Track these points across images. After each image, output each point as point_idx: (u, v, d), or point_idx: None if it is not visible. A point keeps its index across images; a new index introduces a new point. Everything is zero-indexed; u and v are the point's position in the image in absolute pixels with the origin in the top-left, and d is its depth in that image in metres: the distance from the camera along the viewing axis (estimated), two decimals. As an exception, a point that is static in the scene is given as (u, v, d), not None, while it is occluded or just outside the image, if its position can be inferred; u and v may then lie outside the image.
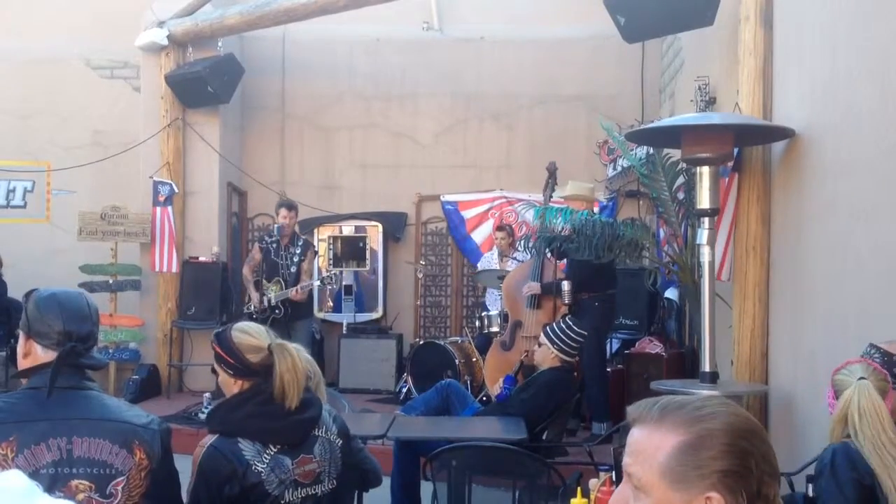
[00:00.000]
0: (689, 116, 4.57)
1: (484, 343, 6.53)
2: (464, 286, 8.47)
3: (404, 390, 6.99)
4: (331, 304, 8.17)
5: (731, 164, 4.25)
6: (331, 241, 8.30)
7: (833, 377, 2.24)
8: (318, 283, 6.92)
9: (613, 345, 6.79)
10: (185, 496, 2.21)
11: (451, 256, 8.50)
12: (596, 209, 6.57)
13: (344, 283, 7.89)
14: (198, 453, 2.20)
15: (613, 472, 2.03)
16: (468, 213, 8.29)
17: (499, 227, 7.42)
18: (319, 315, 8.08)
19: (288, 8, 6.99)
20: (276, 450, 2.25)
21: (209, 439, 2.23)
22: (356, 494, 2.90)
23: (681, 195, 5.15)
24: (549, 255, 5.96)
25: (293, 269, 6.60)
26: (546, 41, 8.27)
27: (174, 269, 7.49)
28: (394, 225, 8.37)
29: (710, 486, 1.10)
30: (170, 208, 7.45)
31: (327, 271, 7.83)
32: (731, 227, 4.35)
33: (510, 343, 5.97)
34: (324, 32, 8.23)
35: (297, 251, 6.65)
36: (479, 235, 8.23)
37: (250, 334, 2.33)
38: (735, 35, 4.50)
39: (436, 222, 8.50)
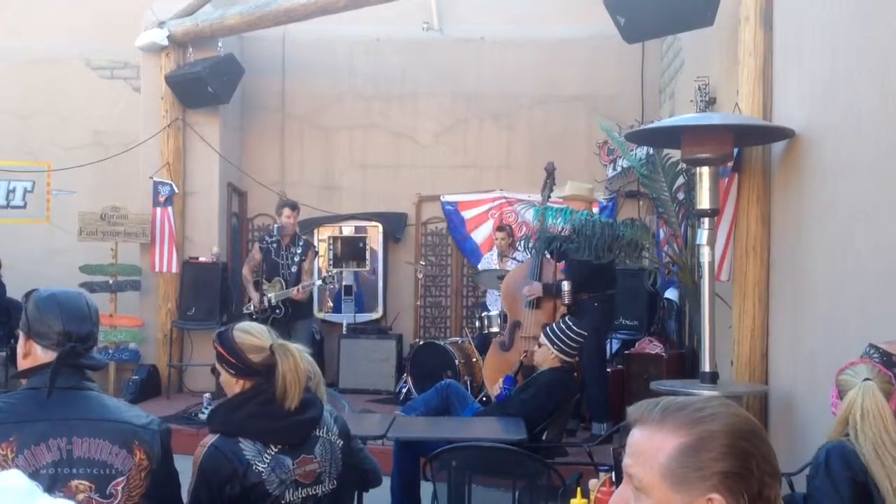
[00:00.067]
0: (688, 117, 4.57)
1: (484, 343, 6.53)
2: (464, 286, 8.47)
3: (404, 391, 6.99)
4: (331, 304, 8.17)
5: (730, 164, 4.25)
6: (331, 242, 8.30)
7: (837, 377, 2.23)
8: (319, 282, 6.92)
9: (613, 345, 6.79)
10: (185, 496, 2.21)
11: (451, 257, 8.50)
12: (596, 209, 6.57)
13: (344, 283, 7.89)
14: (198, 453, 2.21)
15: (613, 473, 2.02)
16: (468, 214, 8.29)
17: (499, 228, 7.42)
18: (319, 315, 8.08)
19: (288, 8, 6.99)
20: (276, 450, 2.25)
21: (210, 439, 2.24)
22: (356, 494, 2.90)
23: (681, 195, 5.15)
24: (548, 256, 5.96)
25: (294, 269, 6.60)
26: (546, 41, 8.27)
27: (174, 269, 7.49)
28: (394, 225, 8.37)
29: (712, 487, 1.10)
30: (170, 208, 7.45)
31: (327, 271, 7.83)
32: (730, 227, 4.35)
33: (509, 343, 5.97)
34: (324, 32, 8.23)
35: (298, 251, 6.65)
36: (479, 236, 8.23)
37: (252, 334, 2.34)
38: (735, 35, 4.50)
39: (436, 222, 8.50)
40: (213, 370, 2.42)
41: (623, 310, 6.52)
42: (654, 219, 6.79)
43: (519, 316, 5.98)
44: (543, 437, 4.25)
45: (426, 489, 3.81)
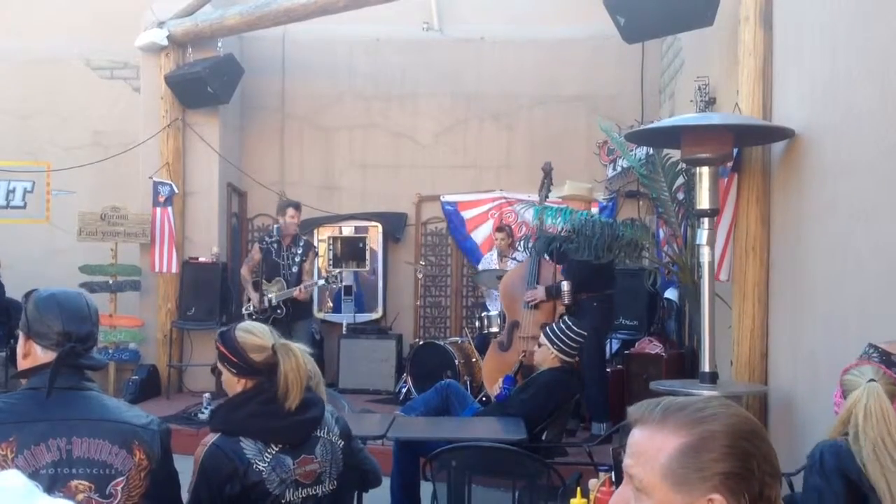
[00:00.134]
0: (688, 117, 4.56)
1: (484, 343, 6.53)
2: (463, 286, 8.47)
3: (404, 390, 6.98)
4: (330, 304, 8.17)
5: (730, 164, 4.24)
6: (331, 242, 8.30)
7: (842, 377, 2.23)
8: (322, 282, 6.90)
9: (613, 345, 6.79)
10: (185, 496, 2.21)
11: (451, 257, 8.50)
12: (595, 209, 6.57)
13: (344, 283, 7.88)
14: (199, 452, 2.21)
15: (613, 473, 2.02)
16: (468, 214, 8.29)
17: (498, 228, 7.42)
18: (319, 315, 8.07)
19: (288, 8, 6.99)
20: (277, 449, 2.26)
21: (211, 438, 2.25)
22: (356, 495, 2.90)
23: (680, 195, 5.15)
24: (547, 258, 5.96)
25: (295, 270, 6.59)
26: (546, 41, 8.27)
27: (174, 269, 7.49)
28: (394, 225, 8.36)
29: (712, 487, 1.10)
30: (170, 209, 7.45)
31: (327, 271, 7.83)
32: (730, 227, 4.35)
33: (508, 344, 5.97)
34: (324, 32, 8.23)
35: (299, 251, 6.64)
36: (478, 236, 8.23)
37: (254, 334, 2.35)
38: (735, 35, 4.50)
39: (436, 222, 8.50)
40: (213, 370, 2.43)
41: (623, 310, 6.52)
42: (653, 219, 6.79)
43: (517, 316, 5.98)
44: (543, 437, 4.25)
45: (426, 489, 3.80)
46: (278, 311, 6.46)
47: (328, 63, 8.58)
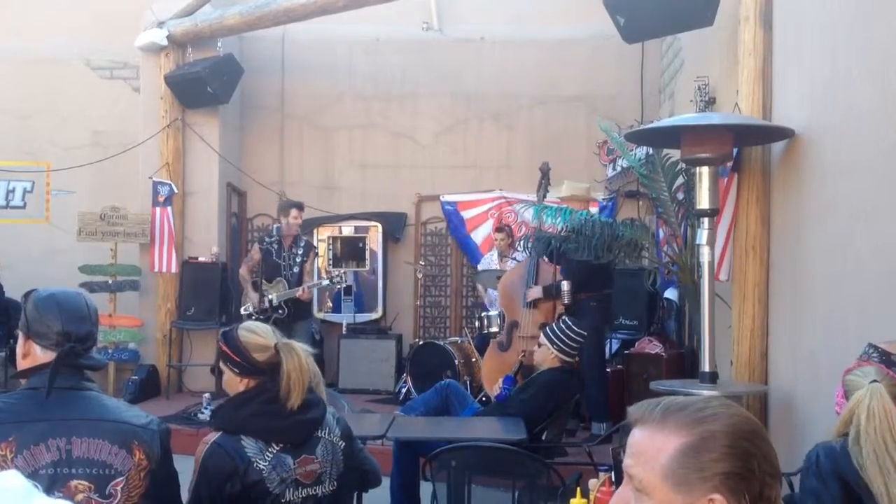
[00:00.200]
0: (688, 117, 4.56)
1: (483, 343, 6.53)
2: (463, 286, 8.46)
3: (404, 390, 6.98)
4: (330, 304, 8.17)
5: (730, 164, 4.24)
6: (330, 242, 8.30)
7: (844, 377, 2.22)
8: (326, 282, 6.87)
9: (613, 345, 6.79)
10: (185, 496, 2.21)
11: (451, 257, 8.49)
12: (595, 209, 6.57)
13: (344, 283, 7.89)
14: (200, 450, 2.22)
15: (613, 473, 2.02)
16: (468, 214, 8.29)
17: (498, 229, 7.42)
18: (319, 315, 8.07)
19: (287, 8, 6.99)
20: (278, 448, 2.26)
21: (212, 436, 2.25)
22: (356, 495, 2.90)
23: (680, 195, 5.15)
24: (545, 259, 5.96)
25: (296, 270, 6.58)
26: (546, 41, 8.26)
27: (173, 269, 7.49)
28: (393, 225, 8.36)
29: (713, 488, 1.10)
30: (169, 209, 7.45)
31: (327, 272, 7.83)
32: (730, 227, 4.35)
33: (507, 344, 5.97)
34: (323, 32, 8.23)
35: (300, 252, 6.62)
36: (478, 236, 8.23)
37: (257, 333, 2.36)
38: (735, 35, 4.50)
39: (435, 222, 8.49)
40: (213, 370, 2.43)
41: (623, 309, 6.52)
42: (653, 219, 6.78)
43: (516, 316, 5.99)
44: (543, 437, 4.25)
45: (426, 489, 3.80)
46: (280, 311, 6.44)
47: (328, 63, 8.58)
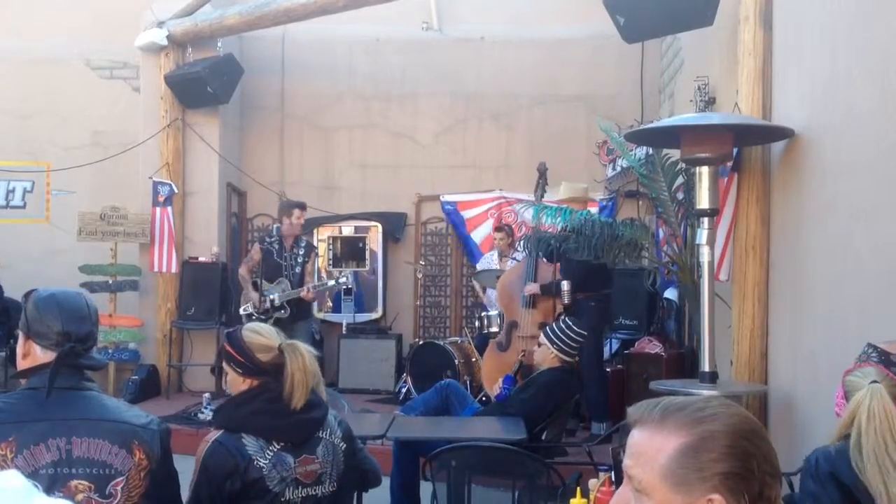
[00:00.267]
0: (688, 116, 4.57)
1: (483, 343, 6.53)
2: (463, 286, 8.46)
3: (404, 390, 6.98)
4: (330, 304, 8.16)
5: (730, 164, 4.24)
6: (330, 242, 8.30)
7: (844, 378, 2.22)
8: (332, 283, 6.85)
9: (613, 345, 6.79)
10: (185, 495, 2.21)
11: (451, 256, 8.50)
12: (595, 209, 6.57)
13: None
14: (202, 448, 2.24)
15: (613, 473, 2.02)
16: (468, 214, 8.29)
17: (497, 228, 7.42)
18: (319, 315, 8.06)
19: (287, 8, 6.99)
20: (279, 447, 2.28)
21: (214, 435, 2.27)
22: (356, 495, 2.90)
23: (680, 195, 5.15)
24: (544, 259, 5.96)
25: (298, 270, 6.57)
26: (546, 41, 8.26)
27: (174, 269, 7.49)
28: (393, 225, 8.36)
29: (712, 488, 1.10)
30: (169, 208, 7.45)
31: (327, 272, 7.82)
32: (730, 227, 4.35)
33: (506, 344, 5.98)
34: (323, 32, 8.23)
35: (301, 252, 6.61)
36: (478, 235, 8.23)
37: (262, 334, 2.39)
38: (735, 35, 4.50)
39: (435, 222, 8.50)
40: (213, 370, 2.44)
41: (622, 309, 6.52)
42: (653, 218, 6.79)
43: (515, 316, 5.99)
44: (543, 437, 4.25)
45: (426, 489, 3.80)
46: (282, 311, 6.43)
47: (328, 63, 8.58)
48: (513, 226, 7.75)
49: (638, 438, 1.17)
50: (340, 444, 2.43)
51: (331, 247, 8.28)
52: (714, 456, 1.10)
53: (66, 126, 8.35)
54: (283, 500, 2.25)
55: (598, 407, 5.74)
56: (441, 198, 8.34)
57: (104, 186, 7.97)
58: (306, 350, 2.36)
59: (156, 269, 7.45)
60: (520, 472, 3.33)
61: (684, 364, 5.85)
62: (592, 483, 2.16)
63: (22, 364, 2.05)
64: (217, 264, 7.62)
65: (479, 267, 7.62)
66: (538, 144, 8.10)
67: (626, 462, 1.18)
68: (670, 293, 6.67)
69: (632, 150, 6.22)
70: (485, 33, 8.43)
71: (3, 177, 8.35)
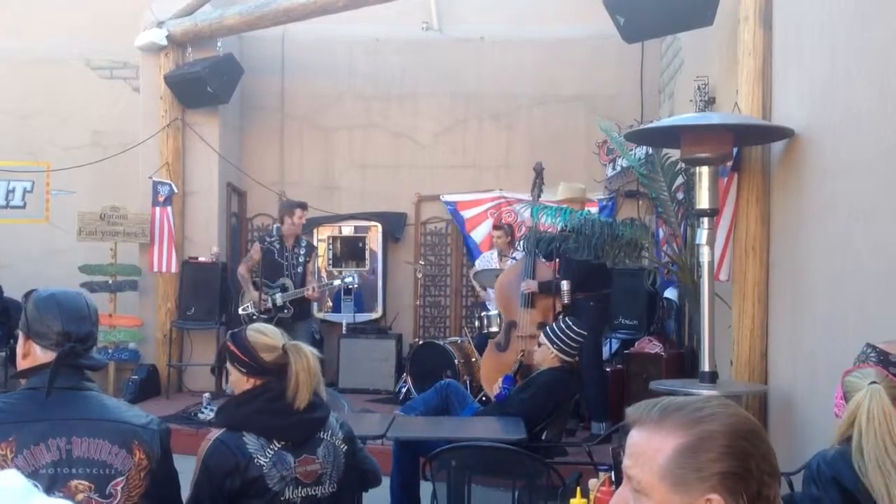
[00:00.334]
0: (688, 116, 4.57)
1: (483, 343, 6.53)
2: (463, 286, 8.46)
3: (404, 390, 6.98)
4: (330, 304, 8.17)
5: (730, 164, 4.25)
6: (330, 242, 8.30)
7: (844, 378, 2.22)
8: (338, 282, 6.84)
9: (613, 345, 6.79)
10: (185, 495, 2.22)
11: (451, 256, 8.50)
12: (595, 209, 6.57)
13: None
14: (203, 447, 2.26)
15: (612, 472, 2.02)
16: (468, 214, 8.29)
17: (496, 227, 7.41)
18: (319, 315, 8.06)
19: (287, 8, 6.99)
20: (280, 446, 2.29)
21: (216, 433, 2.29)
22: (356, 495, 2.91)
23: (680, 195, 5.15)
24: (543, 260, 5.96)
25: (299, 270, 6.57)
26: (546, 41, 8.26)
27: (173, 269, 7.49)
28: (393, 225, 8.37)
29: (711, 488, 1.10)
30: (169, 208, 7.45)
31: (326, 271, 7.82)
32: (730, 227, 4.35)
33: (505, 344, 5.98)
34: (323, 32, 8.23)
35: (302, 252, 6.61)
36: (478, 235, 8.23)
37: (266, 334, 2.41)
38: (734, 35, 4.50)
39: (435, 222, 8.50)
40: (213, 370, 2.45)
41: (622, 309, 6.52)
42: (653, 218, 6.79)
43: (514, 316, 5.99)
44: (543, 437, 4.25)
45: (426, 489, 3.81)
46: (285, 311, 6.42)
47: (328, 63, 8.58)
48: (513, 225, 7.74)
49: (636, 439, 1.17)
50: (341, 447, 2.44)
51: (331, 247, 8.28)
52: (712, 456, 1.10)
53: (66, 126, 8.35)
54: (282, 499, 2.26)
55: (597, 407, 5.74)
56: (441, 198, 8.34)
57: (104, 186, 7.97)
58: (310, 351, 2.38)
59: (156, 269, 7.45)
60: (520, 472, 3.33)
61: (684, 364, 5.85)
62: (592, 483, 2.16)
63: (22, 364, 2.05)
64: (217, 264, 7.62)
65: (477, 265, 7.61)
66: (538, 144, 8.10)
67: (625, 462, 1.18)
68: (670, 293, 6.67)
69: (632, 150, 6.22)
70: (485, 33, 8.43)
71: (3, 177, 8.35)
